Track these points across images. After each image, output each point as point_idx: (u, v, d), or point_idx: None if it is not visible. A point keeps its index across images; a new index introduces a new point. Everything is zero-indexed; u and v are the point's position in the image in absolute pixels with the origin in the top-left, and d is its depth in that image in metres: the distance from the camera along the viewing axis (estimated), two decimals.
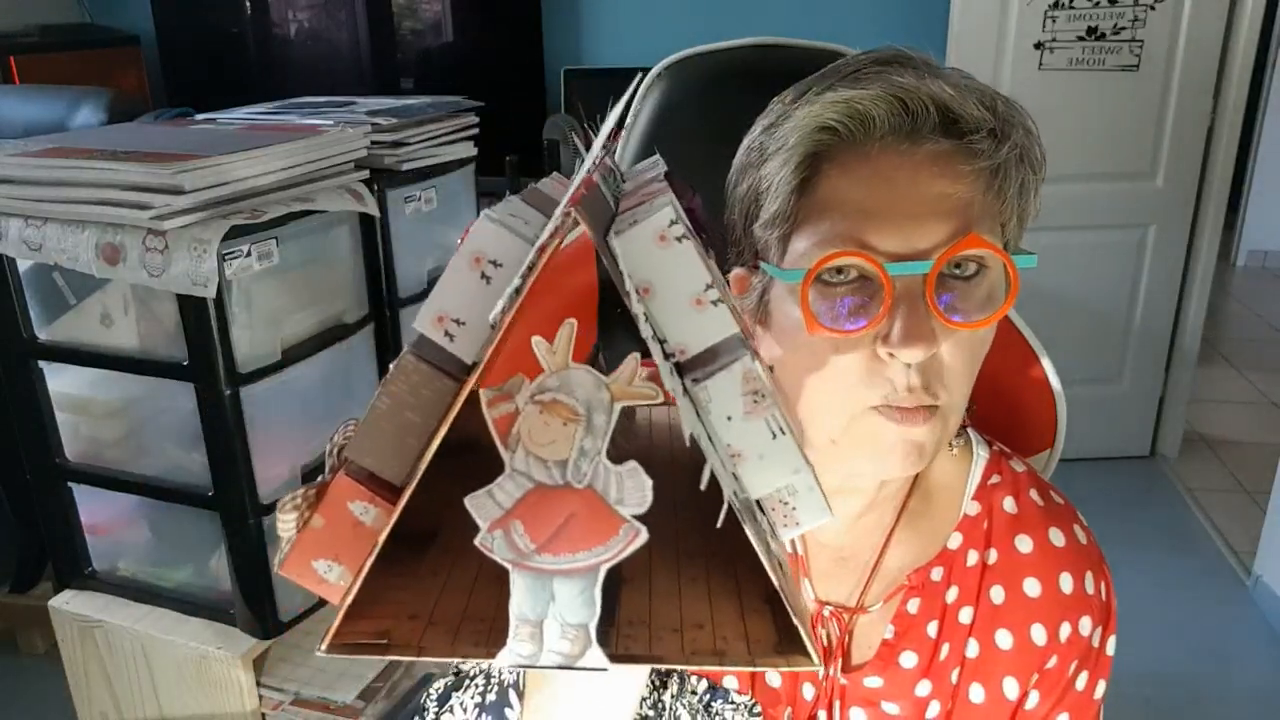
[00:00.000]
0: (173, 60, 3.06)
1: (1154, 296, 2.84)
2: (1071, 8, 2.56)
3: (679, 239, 0.31)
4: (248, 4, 2.96)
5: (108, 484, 1.39)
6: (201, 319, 1.19)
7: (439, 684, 0.73)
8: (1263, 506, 2.44)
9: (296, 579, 0.35)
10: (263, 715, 1.41)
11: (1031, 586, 0.67)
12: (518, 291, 0.30)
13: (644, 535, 0.32)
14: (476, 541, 0.32)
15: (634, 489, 0.31)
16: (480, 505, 0.32)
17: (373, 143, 1.41)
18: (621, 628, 0.37)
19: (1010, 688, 0.67)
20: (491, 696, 0.68)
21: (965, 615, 0.67)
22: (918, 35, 2.79)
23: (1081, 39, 2.59)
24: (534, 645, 0.33)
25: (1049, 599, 0.67)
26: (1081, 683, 0.67)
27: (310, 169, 1.28)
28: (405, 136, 1.46)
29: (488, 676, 0.70)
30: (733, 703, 0.69)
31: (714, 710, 0.69)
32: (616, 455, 0.33)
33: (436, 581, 0.40)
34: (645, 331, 0.31)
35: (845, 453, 0.62)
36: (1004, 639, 0.67)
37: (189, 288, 1.14)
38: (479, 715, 0.68)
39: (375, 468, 0.34)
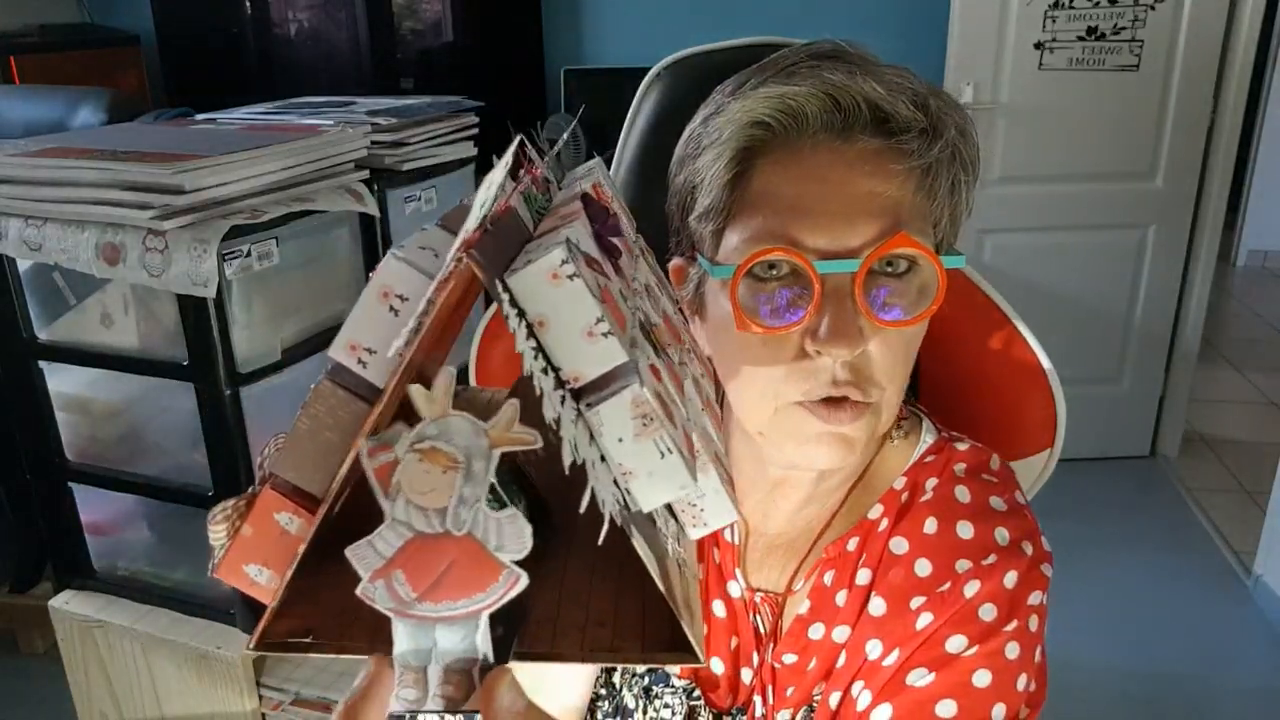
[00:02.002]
0: (173, 60, 3.06)
1: (1154, 296, 2.84)
2: (1071, 8, 2.56)
3: (570, 277, 0.32)
4: (248, 4, 2.96)
5: (108, 484, 1.39)
6: (201, 319, 1.19)
7: None
8: (1263, 506, 2.44)
9: (231, 582, 0.38)
10: (263, 715, 1.41)
11: (929, 526, 0.65)
12: (417, 329, 0.32)
13: (524, 581, 0.33)
14: (358, 592, 0.33)
15: (513, 535, 0.32)
16: (361, 555, 0.33)
17: (373, 143, 1.41)
18: (531, 626, 0.40)
19: (892, 609, 0.64)
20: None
21: (863, 576, 0.66)
22: (918, 35, 2.79)
23: (1081, 39, 2.59)
24: (419, 691, 0.34)
25: (942, 540, 0.64)
26: (988, 614, 0.61)
27: (310, 169, 1.28)
28: (405, 136, 1.46)
29: None
30: (672, 687, 0.70)
31: (654, 693, 0.70)
32: (538, 461, 0.35)
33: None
34: (535, 365, 0.32)
35: (773, 444, 0.63)
36: (895, 576, 0.65)
37: (189, 288, 1.14)
38: None
39: (299, 482, 0.37)
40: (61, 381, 1.37)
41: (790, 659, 0.68)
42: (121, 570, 1.48)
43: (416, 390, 0.33)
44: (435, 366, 0.37)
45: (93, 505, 1.44)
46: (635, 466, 0.34)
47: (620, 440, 0.34)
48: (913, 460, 0.69)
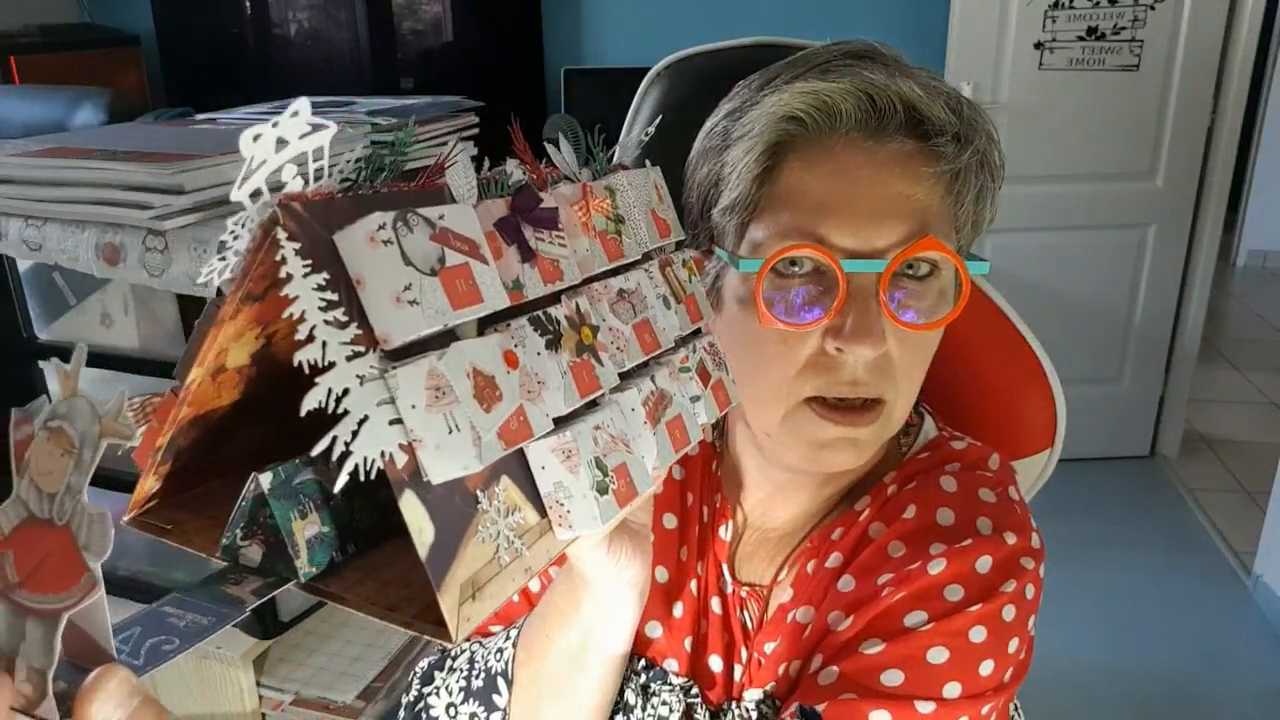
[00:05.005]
0: (173, 60, 3.05)
1: (1154, 296, 2.84)
2: (1071, 8, 2.56)
3: (385, 242, 0.36)
4: (248, 4, 2.96)
5: (108, 484, 1.39)
6: None
7: (423, 663, 0.74)
8: (1263, 506, 2.44)
9: (141, 464, 0.42)
10: (263, 715, 1.41)
11: (909, 512, 0.64)
12: (243, 263, 0.35)
13: (100, 590, 0.31)
14: None
15: (99, 536, 0.31)
16: None
17: (373, 142, 1.41)
18: (345, 568, 0.42)
19: (859, 585, 0.63)
20: (478, 682, 0.69)
21: (835, 559, 0.66)
22: (918, 35, 2.79)
23: (1081, 39, 2.59)
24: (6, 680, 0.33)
25: (920, 524, 0.63)
26: (953, 594, 0.60)
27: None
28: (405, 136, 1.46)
29: (471, 660, 0.71)
30: (670, 684, 0.69)
31: (651, 690, 0.69)
32: None
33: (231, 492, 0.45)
34: (318, 315, 0.34)
35: (781, 445, 0.63)
36: (867, 556, 0.64)
37: (189, 288, 1.14)
38: (465, 699, 0.69)
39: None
40: None
41: (771, 646, 0.68)
42: (122, 571, 1.47)
43: (56, 364, 0.32)
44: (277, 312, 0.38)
45: (93, 505, 1.44)
46: (424, 436, 0.35)
47: (413, 407, 0.35)
48: (907, 457, 0.70)
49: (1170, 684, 2.11)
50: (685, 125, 0.66)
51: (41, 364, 0.36)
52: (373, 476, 0.34)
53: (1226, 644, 2.27)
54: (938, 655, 0.59)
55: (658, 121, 0.60)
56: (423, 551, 0.36)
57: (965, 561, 0.61)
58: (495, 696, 0.68)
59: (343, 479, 0.33)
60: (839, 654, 0.61)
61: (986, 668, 0.60)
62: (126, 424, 0.31)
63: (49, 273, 1.31)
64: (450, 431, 0.36)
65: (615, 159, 0.54)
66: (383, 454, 0.34)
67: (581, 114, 2.82)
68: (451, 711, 0.70)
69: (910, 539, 0.63)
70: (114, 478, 1.53)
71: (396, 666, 1.47)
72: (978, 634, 0.59)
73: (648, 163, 0.56)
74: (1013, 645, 0.61)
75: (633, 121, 0.92)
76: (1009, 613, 0.60)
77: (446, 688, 0.71)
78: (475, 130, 1.63)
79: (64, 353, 1.28)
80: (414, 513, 0.36)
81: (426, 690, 0.72)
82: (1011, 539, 0.62)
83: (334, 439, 0.33)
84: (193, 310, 1.19)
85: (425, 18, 3.04)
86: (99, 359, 1.31)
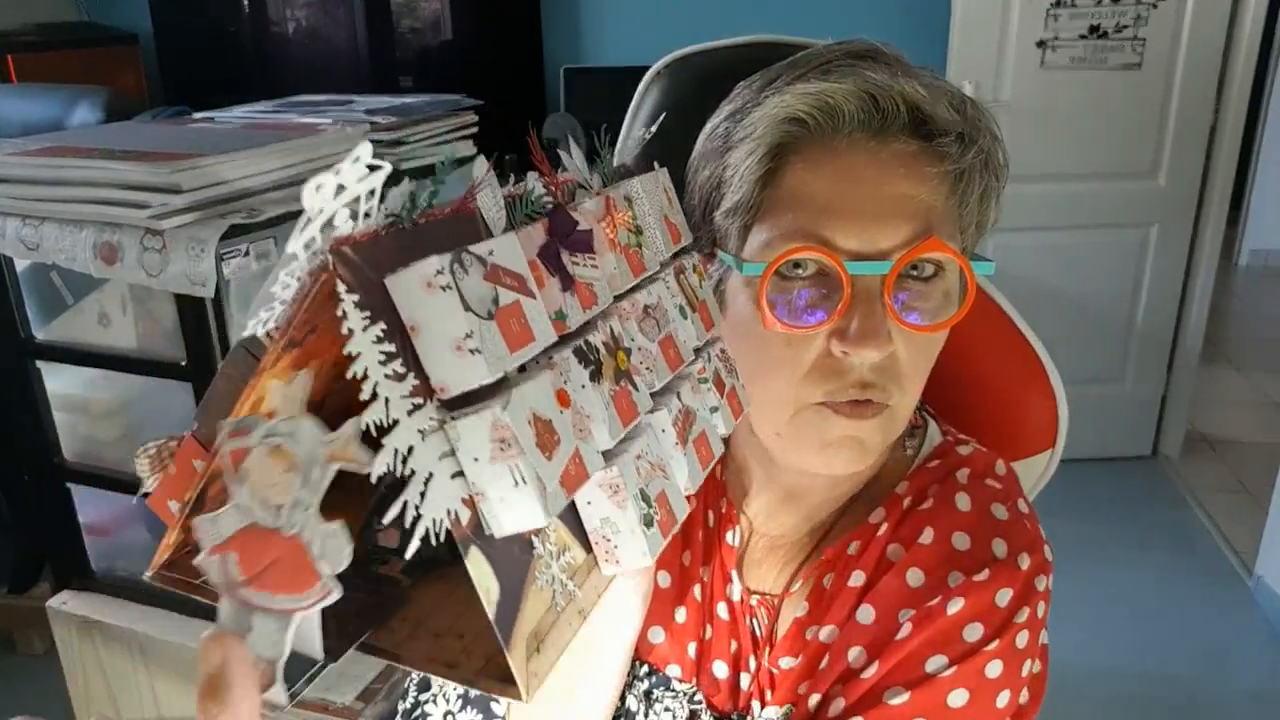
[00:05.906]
0: (171, 59, 3.05)
1: (1156, 296, 2.84)
2: (1074, 6, 2.56)
3: (443, 288, 0.33)
4: (246, 2, 2.95)
5: (106, 484, 1.38)
6: (199, 319, 1.18)
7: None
8: (1265, 507, 2.43)
9: (156, 511, 0.41)
10: (262, 715, 1.41)
11: (926, 536, 0.64)
12: (288, 313, 0.33)
13: (336, 594, 0.33)
14: (196, 562, 0.34)
15: (334, 549, 0.32)
16: (204, 529, 0.34)
17: (372, 141, 1.41)
18: (396, 619, 0.41)
19: (879, 619, 0.63)
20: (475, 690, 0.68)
21: (857, 579, 0.65)
22: (919, 34, 2.79)
23: (1084, 37, 2.58)
24: None
25: (937, 550, 0.63)
26: (972, 634, 0.60)
27: (308, 168, 1.27)
28: (404, 135, 1.46)
29: None
30: (673, 691, 0.69)
31: (654, 697, 0.69)
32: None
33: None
34: (378, 371, 0.32)
35: (788, 447, 0.62)
36: (887, 584, 0.64)
37: (187, 287, 1.14)
38: (462, 706, 0.69)
39: (210, 431, 0.40)
40: (60, 381, 1.37)
41: (788, 662, 0.67)
42: (120, 571, 1.47)
43: (275, 385, 0.33)
44: (322, 358, 0.37)
45: (91, 506, 1.43)
46: (488, 489, 0.34)
47: (476, 460, 0.34)
48: (916, 464, 0.69)
49: (1171, 684, 2.11)
50: (685, 125, 0.66)
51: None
52: (441, 539, 0.33)
53: (1228, 644, 2.27)
54: (958, 698, 0.59)
55: (660, 120, 0.59)
56: (490, 611, 0.35)
57: (984, 596, 0.61)
58: (493, 704, 0.67)
59: (414, 544, 0.32)
60: (862, 703, 0.61)
61: (1003, 699, 0.60)
62: (359, 452, 0.32)
63: (46, 272, 1.31)
64: (516, 484, 0.34)
65: (615, 159, 0.53)
66: (448, 512, 0.33)
67: (581, 113, 2.81)
68: (449, 719, 0.69)
69: (929, 568, 0.63)
70: (114, 478, 1.52)
71: (396, 668, 1.46)
72: (994, 669, 0.60)
73: (655, 164, 0.55)
74: (1025, 668, 0.62)
75: (632, 121, 0.92)
76: (1022, 639, 0.61)
77: (444, 695, 0.70)
78: (474, 129, 1.62)
79: (61, 352, 1.28)
80: (480, 571, 0.34)
81: (424, 698, 0.71)
82: (1025, 562, 0.62)
83: (404, 504, 0.32)
84: (191, 310, 1.18)
85: (424, 16, 3.03)
86: (97, 359, 1.31)
